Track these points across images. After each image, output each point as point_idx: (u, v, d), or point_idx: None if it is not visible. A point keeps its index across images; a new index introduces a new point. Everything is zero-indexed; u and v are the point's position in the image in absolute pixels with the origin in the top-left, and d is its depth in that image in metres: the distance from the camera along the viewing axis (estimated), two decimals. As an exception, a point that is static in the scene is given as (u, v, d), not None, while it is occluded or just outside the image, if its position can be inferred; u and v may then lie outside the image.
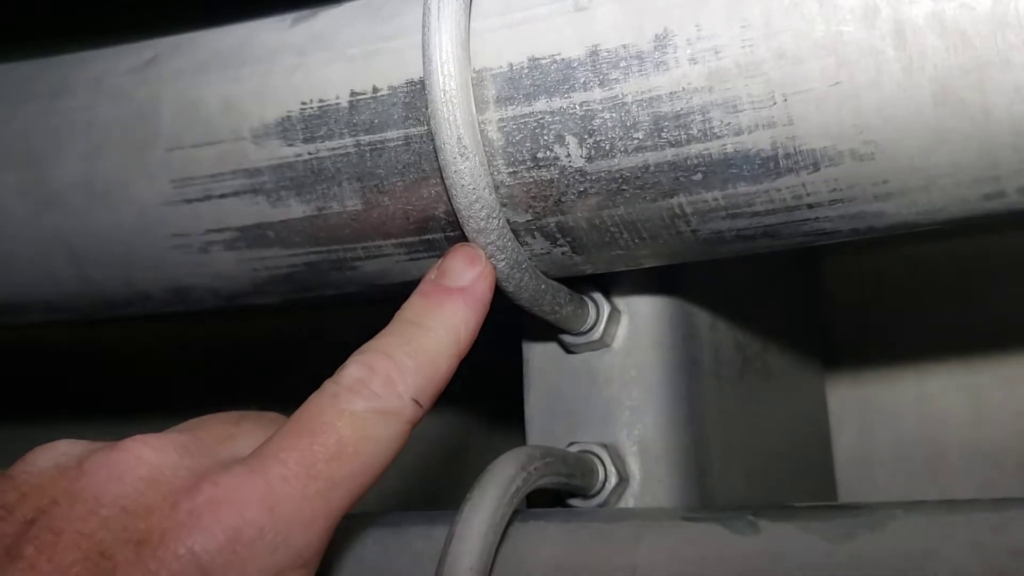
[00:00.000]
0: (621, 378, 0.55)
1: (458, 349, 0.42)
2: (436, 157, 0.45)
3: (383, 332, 0.43)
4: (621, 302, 0.56)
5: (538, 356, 0.57)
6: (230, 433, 0.41)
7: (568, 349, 0.56)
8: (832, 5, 0.39)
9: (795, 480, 0.80)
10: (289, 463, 0.36)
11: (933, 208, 0.42)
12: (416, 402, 0.40)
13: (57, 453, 0.38)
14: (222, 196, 0.51)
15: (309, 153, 0.49)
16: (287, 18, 0.53)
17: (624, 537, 0.43)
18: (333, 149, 0.48)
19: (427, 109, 0.44)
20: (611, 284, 0.56)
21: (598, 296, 0.55)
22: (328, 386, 0.39)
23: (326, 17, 0.51)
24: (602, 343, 0.55)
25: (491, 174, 0.45)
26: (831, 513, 0.41)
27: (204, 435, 0.40)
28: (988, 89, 0.38)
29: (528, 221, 0.47)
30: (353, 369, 0.40)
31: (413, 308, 0.43)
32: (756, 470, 0.67)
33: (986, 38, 0.37)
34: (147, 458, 0.36)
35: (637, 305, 0.56)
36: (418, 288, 0.44)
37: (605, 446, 0.54)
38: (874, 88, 0.39)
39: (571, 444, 0.54)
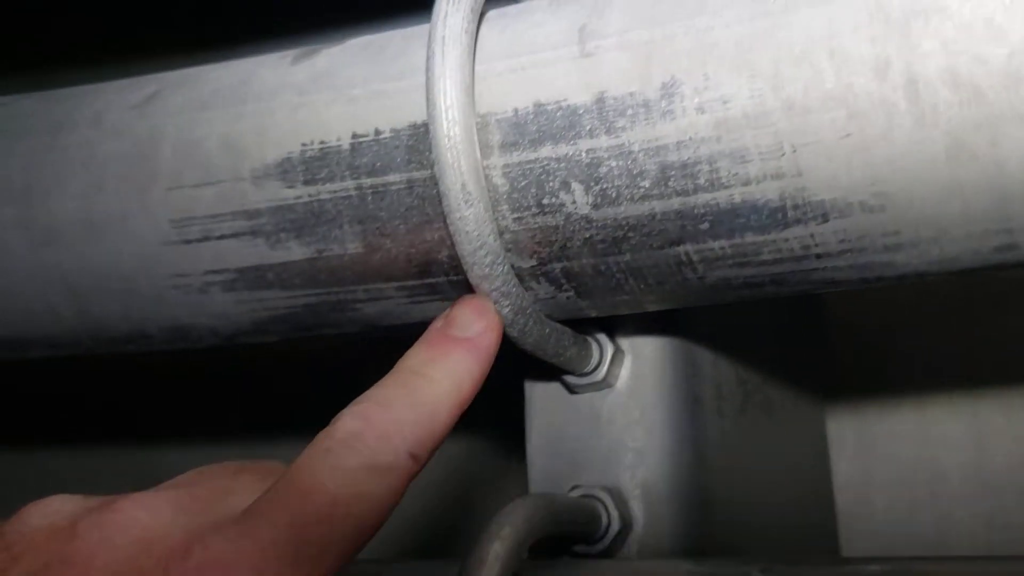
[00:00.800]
0: (624, 419, 0.54)
1: (460, 401, 0.42)
2: (440, 202, 0.44)
3: (382, 381, 0.42)
4: (624, 342, 0.55)
5: (540, 396, 0.57)
6: (228, 487, 0.40)
7: (571, 390, 0.55)
8: (843, 57, 0.39)
9: (796, 510, 0.79)
10: (280, 526, 0.35)
11: (944, 259, 0.41)
12: (413, 456, 0.39)
13: (50, 511, 0.37)
14: (221, 237, 0.50)
15: (309, 195, 0.48)
16: (288, 55, 0.52)
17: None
18: (334, 191, 0.48)
19: (431, 154, 0.44)
20: (614, 324, 0.55)
21: (601, 337, 0.55)
22: (321, 440, 0.38)
23: (328, 56, 0.51)
24: (605, 383, 0.54)
25: (496, 220, 0.45)
26: (839, 569, 0.40)
27: (200, 491, 0.39)
28: (1001, 143, 0.37)
29: (533, 266, 0.46)
30: (347, 421, 0.39)
31: (416, 357, 0.43)
32: (758, 504, 0.67)
33: (1000, 92, 0.37)
34: (140, 519, 0.35)
35: (640, 345, 0.55)
36: (423, 337, 0.44)
37: (608, 490, 0.53)
38: (885, 141, 0.38)
39: (574, 488, 0.53)
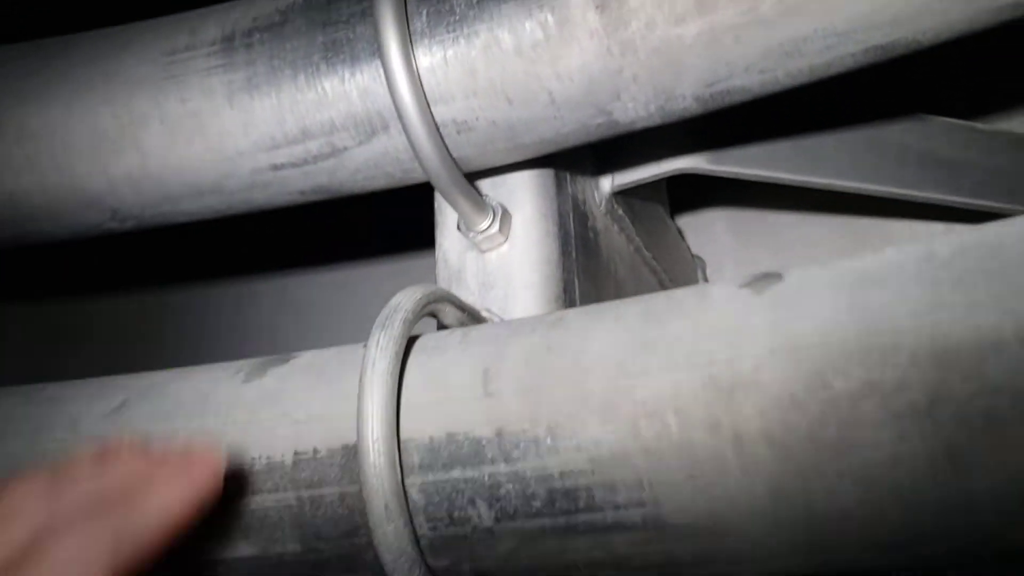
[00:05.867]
0: None
1: None
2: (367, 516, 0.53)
3: None
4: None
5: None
6: None
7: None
8: (685, 415, 0.49)
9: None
10: None
11: (787, 568, 0.51)
12: None
13: None
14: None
15: (256, 502, 0.56)
16: (241, 371, 0.62)
17: None
18: (278, 500, 0.56)
19: (360, 476, 0.52)
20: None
21: (511, 607, 0.62)
22: None
23: (275, 376, 0.60)
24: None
25: (413, 529, 0.53)
26: None
27: None
28: (810, 491, 0.47)
29: (446, 566, 0.55)
30: None
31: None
32: None
33: (806, 452, 0.47)
34: None
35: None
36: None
37: None
38: (720, 483, 0.48)
39: None
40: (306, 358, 0.61)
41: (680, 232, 1.09)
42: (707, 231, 1.14)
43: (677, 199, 1.10)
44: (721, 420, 0.48)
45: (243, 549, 0.57)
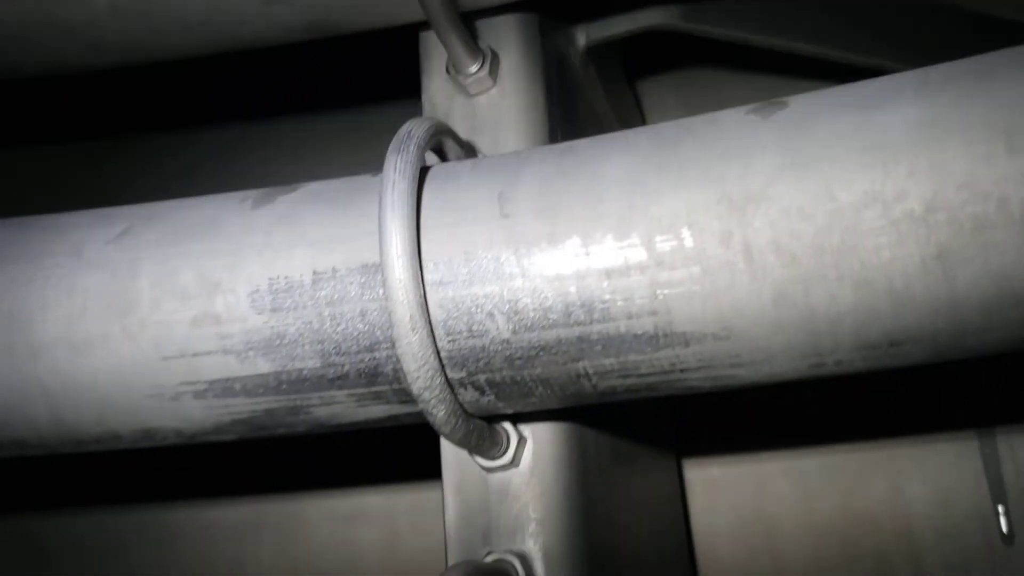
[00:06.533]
0: (528, 494, 0.66)
1: None
2: (388, 328, 0.55)
3: None
4: (526, 430, 0.67)
5: (455, 477, 0.68)
6: None
7: (484, 469, 0.67)
8: (698, 229, 0.52)
9: (657, 548, 0.93)
10: None
11: (773, 373, 0.56)
12: None
13: None
14: (195, 355, 0.59)
15: (276, 321, 0.58)
16: (248, 199, 0.62)
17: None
18: (298, 317, 0.58)
19: (383, 291, 0.55)
20: (517, 416, 0.67)
21: (508, 426, 0.67)
22: None
23: (286, 201, 0.61)
24: (512, 465, 0.66)
25: (434, 341, 0.56)
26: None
27: None
28: (811, 295, 0.52)
29: (462, 377, 0.58)
30: None
31: None
32: (633, 548, 0.80)
33: (810, 259, 0.51)
34: None
35: (539, 431, 0.68)
36: None
37: (516, 554, 0.65)
38: (729, 291, 0.52)
39: (488, 554, 0.65)
40: (314, 186, 0.63)
41: (638, 101, 1.12)
42: (659, 103, 1.17)
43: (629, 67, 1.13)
44: (733, 232, 0.52)
45: (262, 366, 0.59)
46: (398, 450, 1.06)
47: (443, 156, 0.66)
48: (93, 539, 1.26)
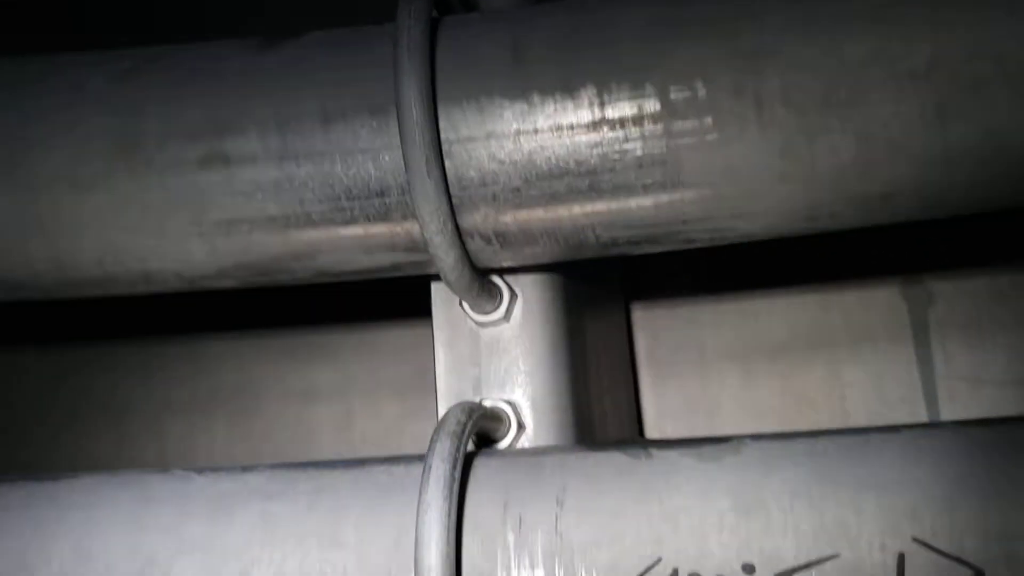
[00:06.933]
0: (517, 348, 0.69)
1: None
2: (400, 174, 0.56)
3: None
4: (516, 285, 0.69)
5: (446, 331, 0.70)
6: None
7: (476, 324, 0.69)
8: (712, 81, 0.54)
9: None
10: None
11: (771, 225, 0.59)
12: None
13: None
14: (202, 195, 0.59)
15: (285, 163, 0.58)
16: (250, 44, 0.62)
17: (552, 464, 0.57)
18: (308, 160, 0.58)
19: (399, 136, 0.56)
20: (504, 271, 0.69)
21: (500, 282, 0.68)
22: None
23: (291, 47, 0.61)
24: (504, 320, 0.68)
25: (447, 186, 0.57)
26: (701, 442, 0.57)
27: None
28: (816, 145, 0.54)
29: (472, 226, 0.59)
30: None
31: None
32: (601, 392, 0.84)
33: (818, 110, 0.54)
34: None
35: (528, 288, 0.70)
36: None
37: (507, 402, 0.67)
38: (739, 141, 0.55)
39: (483, 400, 0.67)
40: (318, 34, 0.62)
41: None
42: None
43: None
44: (745, 85, 0.54)
45: (270, 208, 0.59)
46: (352, 324, 1.07)
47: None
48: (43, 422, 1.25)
